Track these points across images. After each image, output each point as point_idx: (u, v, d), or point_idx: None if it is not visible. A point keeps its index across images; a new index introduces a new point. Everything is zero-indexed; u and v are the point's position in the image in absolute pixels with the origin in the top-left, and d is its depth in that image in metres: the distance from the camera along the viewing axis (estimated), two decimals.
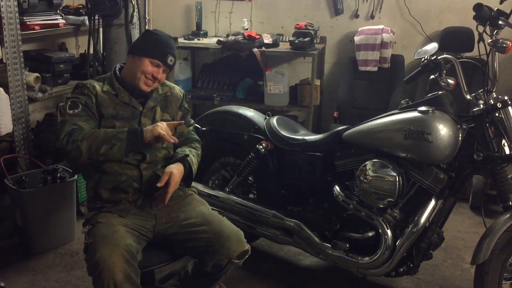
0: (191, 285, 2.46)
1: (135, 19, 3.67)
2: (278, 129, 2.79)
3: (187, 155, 2.26)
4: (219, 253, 2.14)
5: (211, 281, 2.34)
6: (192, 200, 2.36)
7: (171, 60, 2.25)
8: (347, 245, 2.52)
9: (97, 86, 2.23)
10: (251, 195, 3.02)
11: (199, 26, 4.55)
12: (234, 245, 2.16)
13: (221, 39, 4.13)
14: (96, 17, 3.61)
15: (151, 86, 2.26)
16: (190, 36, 4.45)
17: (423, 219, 2.34)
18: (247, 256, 2.21)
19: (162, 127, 2.10)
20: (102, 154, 2.08)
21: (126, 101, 2.24)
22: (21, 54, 3.20)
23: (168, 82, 2.42)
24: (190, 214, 2.25)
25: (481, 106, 2.29)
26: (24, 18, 3.30)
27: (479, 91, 2.32)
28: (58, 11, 3.66)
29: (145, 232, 2.18)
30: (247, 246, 2.21)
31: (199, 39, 4.41)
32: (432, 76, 2.45)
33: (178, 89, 2.44)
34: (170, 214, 2.25)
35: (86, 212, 2.31)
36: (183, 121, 2.31)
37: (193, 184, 2.90)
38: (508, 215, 2.22)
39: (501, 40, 2.22)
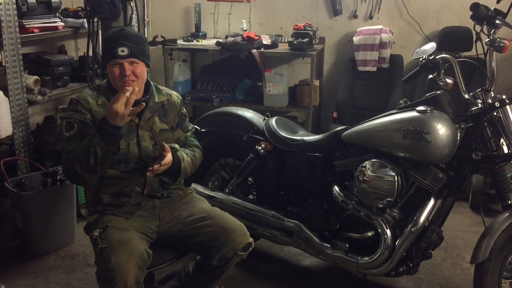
0: (193, 285, 2.46)
1: (134, 21, 3.68)
2: (277, 129, 2.79)
3: (177, 150, 2.24)
4: (225, 245, 2.17)
5: (214, 277, 2.34)
6: (192, 198, 2.39)
7: (122, 51, 2.09)
8: (347, 245, 2.52)
9: (91, 100, 2.17)
10: (250, 196, 3.03)
11: (198, 27, 4.56)
12: (240, 237, 2.19)
13: (220, 40, 4.13)
14: (95, 20, 3.61)
15: (134, 85, 2.12)
16: (189, 38, 4.46)
17: (422, 218, 2.35)
18: (251, 249, 2.24)
19: (115, 106, 1.95)
20: (95, 164, 2.01)
21: None
22: (21, 57, 3.20)
23: (166, 90, 2.36)
24: (192, 210, 2.28)
25: (480, 105, 2.29)
26: (23, 21, 3.30)
27: (477, 90, 2.32)
28: (57, 14, 3.66)
29: (150, 233, 2.19)
30: (251, 239, 2.24)
31: (198, 41, 4.41)
32: (430, 76, 2.45)
33: (175, 96, 2.37)
34: (173, 213, 2.27)
35: (87, 215, 2.31)
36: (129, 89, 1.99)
37: (193, 185, 2.92)
38: (507, 214, 2.23)
39: (498, 40, 2.23)
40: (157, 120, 2.26)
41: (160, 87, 2.36)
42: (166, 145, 2.16)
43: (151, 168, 2.12)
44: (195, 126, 2.77)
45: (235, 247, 2.18)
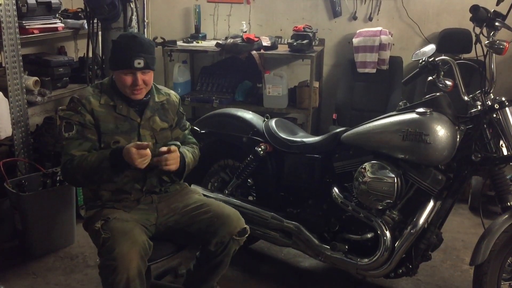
0: (195, 280, 2.46)
1: (134, 23, 3.68)
2: (277, 131, 2.79)
3: (179, 147, 2.28)
4: (221, 230, 2.21)
5: (214, 268, 2.34)
6: (188, 191, 2.46)
7: (138, 63, 2.12)
8: (346, 247, 2.52)
9: (93, 100, 2.19)
10: (250, 197, 3.03)
11: (198, 29, 4.56)
12: (235, 222, 2.25)
13: (220, 41, 4.13)
14: (95, 21, 3.61)
15: (142, 92, 2.23)
16: (189, 39, 4.46)
17: (421, 220, 2.35)
18: (247, 235, 2.28)
19: (134, 155, 2.03)
20: (98, 180, 2.15)
21: (124, 114, 2.22)
22: (20, 58, 3.20)
23: (164, 89, 2.42)
24: (188, 201, 2.34)
25: (479, 107, 2.30)
26: (23, 22, 3.30)
27: (477, 92, 2.33)
28: (57, 15, 3.65)
29: (148, 225, 2.23)
30: (246, 225, 2.29)
31: (198, 42, 4.41)
32: (430, 78, 2.46)
33: (174, 95, 2.43)
34: (170, 206, 2.32)
35: (85, 213, 2.32)
36: (149, 144, 2.10)
37: (192, 186, 2.91)
38: (506, 216, 2.23)
39: (498, 41, 2.23)
40: (158, 119, 2.31)
41: (159, 86, 2.41)
42: (172, 147, 2.20)
43: (158, 158, 2.15)
44: (195, 128, 2.78)
45: (231, 231, 2.22)
